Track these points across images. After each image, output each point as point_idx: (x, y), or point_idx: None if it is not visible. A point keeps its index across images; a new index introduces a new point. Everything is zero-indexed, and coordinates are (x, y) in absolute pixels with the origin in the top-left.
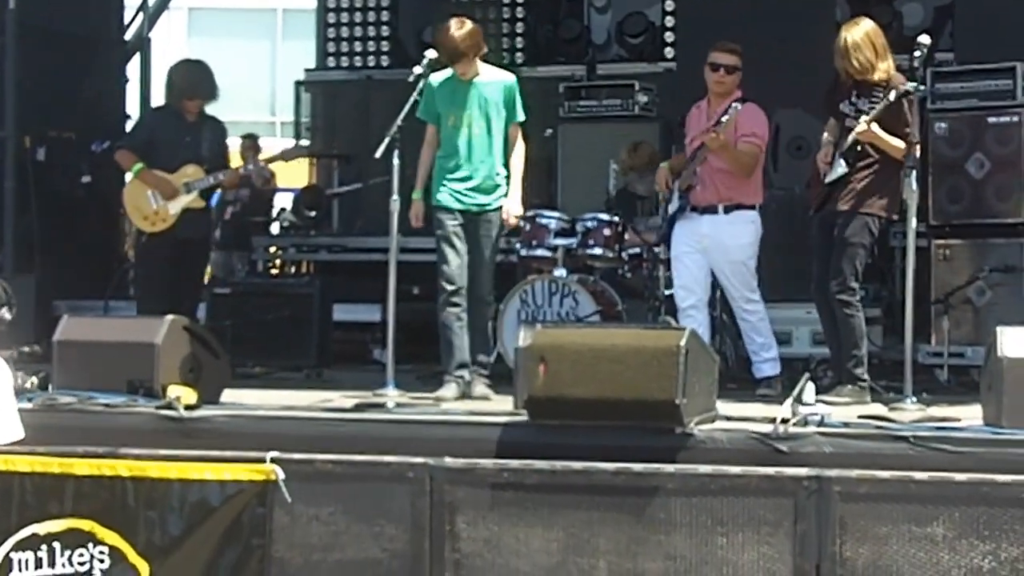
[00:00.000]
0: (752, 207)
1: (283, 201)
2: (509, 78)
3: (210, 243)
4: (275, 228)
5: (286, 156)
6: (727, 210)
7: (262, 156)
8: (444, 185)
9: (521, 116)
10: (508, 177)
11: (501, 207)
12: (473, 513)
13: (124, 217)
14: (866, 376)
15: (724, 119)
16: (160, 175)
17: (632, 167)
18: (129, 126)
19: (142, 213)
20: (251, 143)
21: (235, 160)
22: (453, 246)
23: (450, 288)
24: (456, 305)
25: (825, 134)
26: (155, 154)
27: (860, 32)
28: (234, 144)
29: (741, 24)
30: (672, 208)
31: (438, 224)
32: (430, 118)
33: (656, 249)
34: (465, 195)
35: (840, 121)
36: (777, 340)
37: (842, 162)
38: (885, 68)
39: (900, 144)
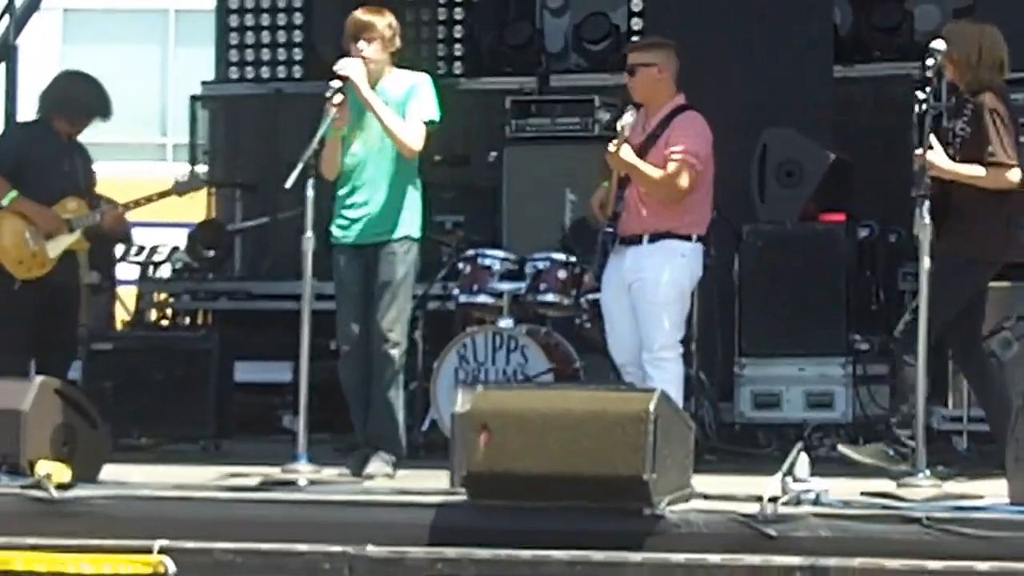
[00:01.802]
0: (687, 238)
1: (175, 239)
2: (417, 76)
3: (80, 289)
4: (165, 271)
5: (179, 190)
6: (652, 239)
7: (156, 191)
8: (340, 216)
9: (427, 113)
10: (417, 201)
11: (407, 236)
12: None
13: None
14: (909, 440)
15: (619, 126)
16: (41, 208)
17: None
18: None
19: (16, 256)
20: None
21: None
22: (346, 293)
23: (345, 348)
24: (356, 366)
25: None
26: (24, 181)
27: (970, 26)
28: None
29: (722, 26)
30: (600, 242)
31: (334, 266)
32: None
33: None
34: (361, 225)
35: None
36: (765, 403)
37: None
38: (982, 80)
39: (979, 172)
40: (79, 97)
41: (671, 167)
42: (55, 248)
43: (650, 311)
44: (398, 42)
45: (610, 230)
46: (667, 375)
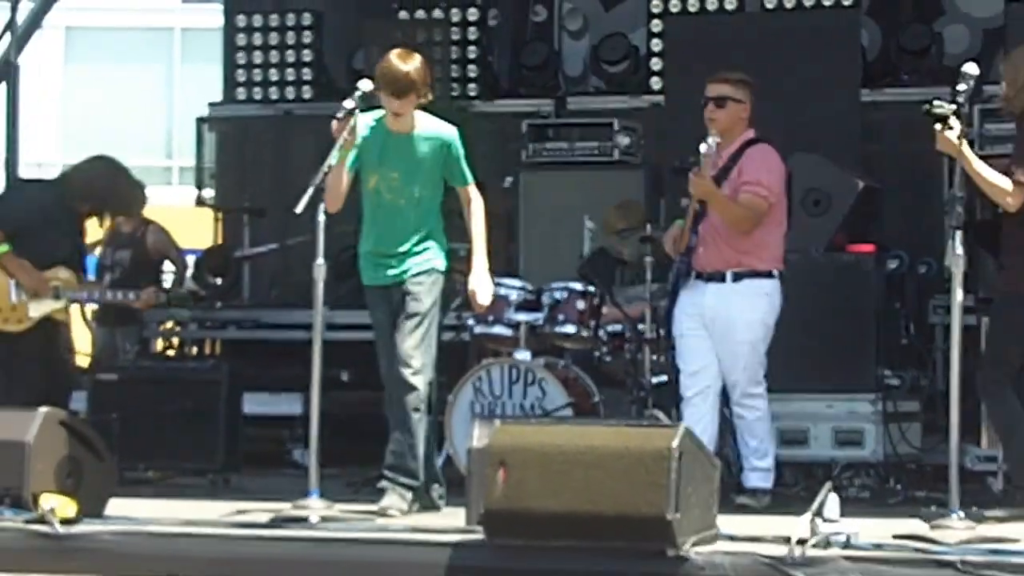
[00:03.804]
0: (769, 275)
1: None
2: (450, 132)
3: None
4: None
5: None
6: (737, 278)
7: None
8: (367, 260)
9: (468, 179)
10: (442, 235)
11: (432, 268)
12: None
13: None
14: None
15: (702, 155)
16: (29, 267)
17: (620, 229)
18: None
19: None
20: None
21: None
22: (380, 334)
23: (387, 390)
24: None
25: None
26: (24, 242)
27: None
28: None
29: (745, 49)
30: (673, 275)
31: (369, 308)
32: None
33: (640, 327)
34: (391, 267)
35: None
36: (792, 440)
37: None
38: None
39: (1004, 183)
40: (120, 195)
41: (743, 198)
42: (37, 308)
43: (738, 351)
44: (430, 95)
45: (682, 264)
46: (759, 411)
